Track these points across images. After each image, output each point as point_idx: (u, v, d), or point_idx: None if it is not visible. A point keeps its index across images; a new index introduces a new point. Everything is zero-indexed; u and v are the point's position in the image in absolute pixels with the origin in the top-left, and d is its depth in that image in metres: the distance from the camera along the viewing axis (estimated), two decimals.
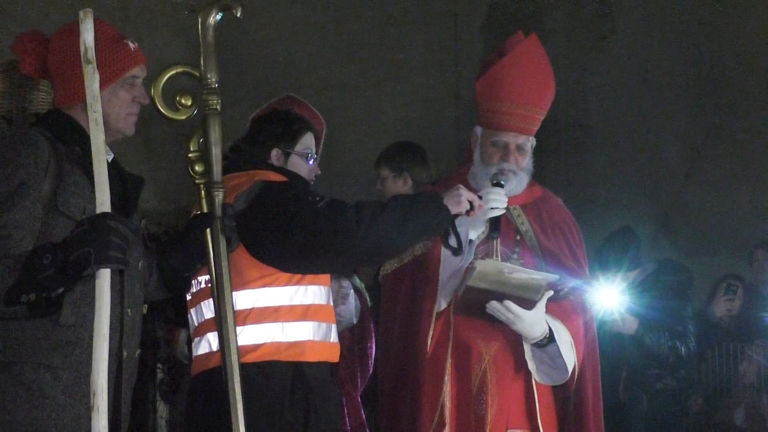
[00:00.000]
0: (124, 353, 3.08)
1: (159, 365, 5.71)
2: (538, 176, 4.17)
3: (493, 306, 3.79)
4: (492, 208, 3.79)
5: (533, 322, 3.80)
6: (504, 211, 3.87)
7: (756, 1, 8.13)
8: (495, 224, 3.87)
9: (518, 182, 4.00)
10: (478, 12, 8.79)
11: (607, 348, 5.22)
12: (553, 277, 3.81)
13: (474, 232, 3.84)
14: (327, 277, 3.69)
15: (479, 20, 8.82)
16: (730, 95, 8.19)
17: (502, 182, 3.88)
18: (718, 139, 8.21)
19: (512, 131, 3.95)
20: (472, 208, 3.62)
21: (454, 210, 3.57)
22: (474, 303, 3.81)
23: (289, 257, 3.54)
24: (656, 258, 6.49)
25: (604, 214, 7.14)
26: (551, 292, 3.82)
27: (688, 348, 5.86)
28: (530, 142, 4.02)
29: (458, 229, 3.62)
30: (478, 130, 4.05)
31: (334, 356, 3.69)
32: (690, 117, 8.33)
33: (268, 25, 8.13)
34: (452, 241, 3.62)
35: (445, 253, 3.76)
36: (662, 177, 8.29)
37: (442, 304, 3.90)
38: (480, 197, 3.69)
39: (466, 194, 3.59)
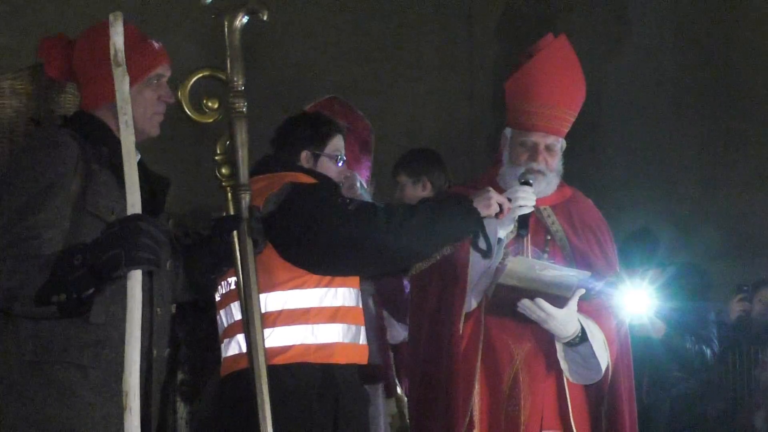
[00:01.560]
0: (154, 352, 3.09)
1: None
2: None
3: (525, 304, 3.76)
4: (520, 206, 3.79)
5: (565, 320, 3.78)
6: (533, 209, 3.86)
7: None
8: (524, 222, 3.85)
9: (547, 183, 3.99)
10: (492, 14, 8.79)
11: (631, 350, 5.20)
12: (585, 273, 3.79)
13: (503, 231, 3.82)
14: (356, 279, 3.69)
15: (494, 22, 8.82)
16: (746, 99, 8.18)
17: (531, 181, 3.87)
18: (735, 142, 8.20)
19: (540, 131, 3.94)
20: (501, 210, 3.63)
21: (483, 212, 3.58)
22: (505, 302, 3.79)
23: (319, 259, 3.54)
24: (675, 261, 6.48)
25: (620, 217, 7.13)
26: (583, 290, 3.79)
27: (713, 351, 5.86)
28: (560, 144, 4.01)
29: (487, 230, 3.62)
30: (508, 131, 4.04)
31: (363, 358, 3.69)
32: (706, 120, 8.31)
33: (283, 27, 8.14)
34: (482, 244, 3.62)
35: (474, 254, 3.75)
36: (679, 180, 8.28)
37: (472, 303, 3.87)
38: (509, 198, 3.70)
39: (495, 197, 3.61)
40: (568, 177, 4.21)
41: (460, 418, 3.82)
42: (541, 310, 3.75)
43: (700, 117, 8.32)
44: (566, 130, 4.01)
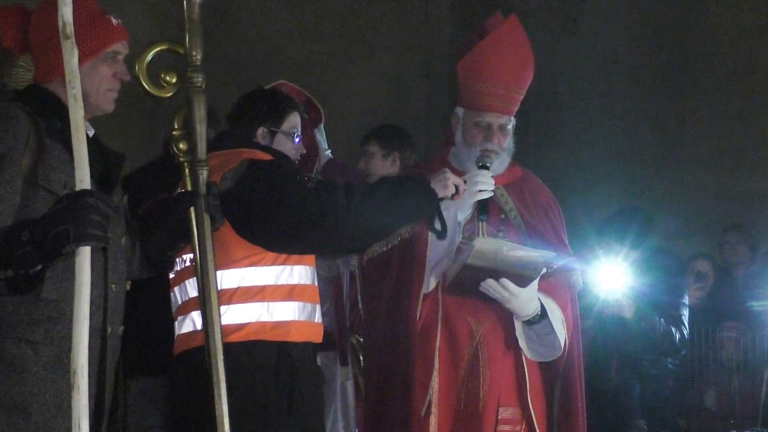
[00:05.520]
0: (108, 329, 3.05)
1: None
2: None
3: (489, 284, 3.79)
4: (480, 191, 3.82)
5: (527, 299, 3.82)
6: (492, 194, 3.89)
7: None
8: (483, 207, 3.88)
9: (500, 162, 4.03)
10: None
11: (601, 330, 5.19)
12: (550, 254, 3.82)
13: (462, 214, 3.86)
14: (312, 257, 3.67)
15: (449, 0, 8.82)
16: (700, 78, 8.23)
17: (488, 164, 3.90)
18: (688, 122, 8.26)
19: (495, 112, 3.98)
20: (457, 191, 3.65)
21: (440, 193, 3.60)
22: (468, 281, 3.80)
23: (277, 237, 3.52)
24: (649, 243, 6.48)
25: (574, 196, 7.17)
26: (545, 270, 3.82)
27: (682, 334, 5.87)
28: (511, 123, 4.05)
29: (444, 212, 3.64)
30: (460, 111, 4.06)
31: (318, 336, 3.67)
32: (660, 100, 8.36)
33: (238, 4, 8.09)
34: (437, 225, 3.64)
35: (433, 235, 3.76)
36: (633, 159, 8.33)
37: (431, 283, 3.89)
38: (465, 181, 3.72)
39: (452, 178, 3.63)
40: (523, 156, 4.23)
41: (421, 399, 3.83)
42: (505, 289, 3.78)
43: (655, 96, 8.36)
44: (516, 109, 4.05)
